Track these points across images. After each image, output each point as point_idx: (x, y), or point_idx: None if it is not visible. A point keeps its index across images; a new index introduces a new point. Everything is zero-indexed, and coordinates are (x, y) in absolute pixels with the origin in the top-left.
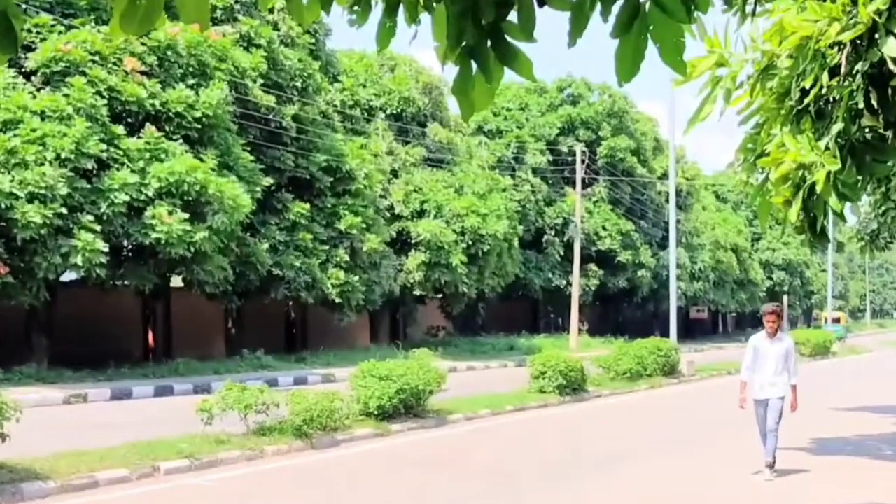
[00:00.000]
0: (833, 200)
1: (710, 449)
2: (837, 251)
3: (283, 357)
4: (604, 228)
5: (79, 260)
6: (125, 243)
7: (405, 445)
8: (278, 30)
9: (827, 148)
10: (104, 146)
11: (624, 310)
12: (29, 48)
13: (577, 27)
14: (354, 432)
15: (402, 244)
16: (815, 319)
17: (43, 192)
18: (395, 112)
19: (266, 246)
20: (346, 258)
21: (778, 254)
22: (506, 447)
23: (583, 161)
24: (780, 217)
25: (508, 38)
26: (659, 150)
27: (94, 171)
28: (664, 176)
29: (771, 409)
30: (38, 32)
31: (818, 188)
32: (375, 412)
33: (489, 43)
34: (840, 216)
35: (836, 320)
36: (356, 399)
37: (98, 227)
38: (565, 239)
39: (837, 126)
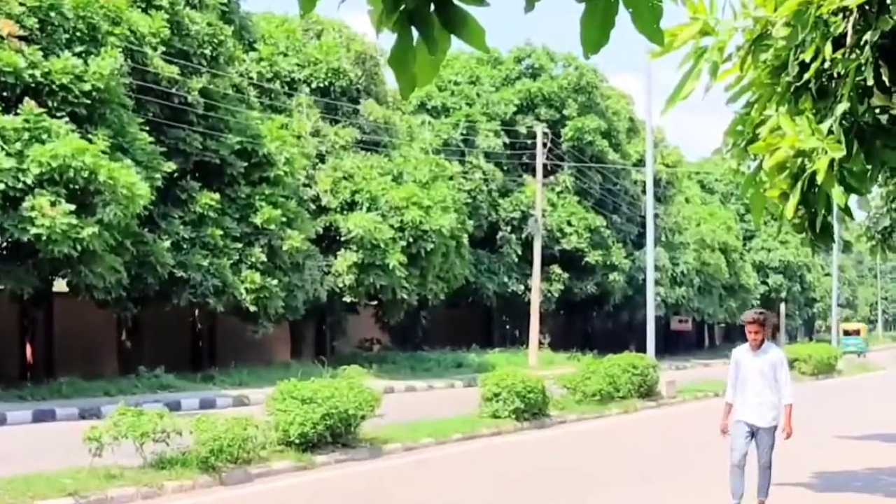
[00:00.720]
0: (837, 193)
1: (694, 483)
2: (843, 252)
3: (186, 375)
4: (569, 224)
5: None
6: None
7: (332, 480)
8: None
9: (830, 132)
10: None
11: (593, 320)
12: None
13: None
14: (272, 465)
15: (329, 242)
16: (817, 331)
17: None
18: (321, 86)
19: (167, 243)
20: (263, 258)
21: (774, 255)
22: (453, 483)
23: (544, 144)
24: (776, 212)
25: (456, 1)
26: (634, 133)
27: None
28: (640, 162)
29: (762, 443)
30: None
31: (820, 178)
32: (297, 441)
33: (432, 7)
34: (846, 211)
35: (855, 332)
36: (274, 426)
37: None
38: (523, 236)
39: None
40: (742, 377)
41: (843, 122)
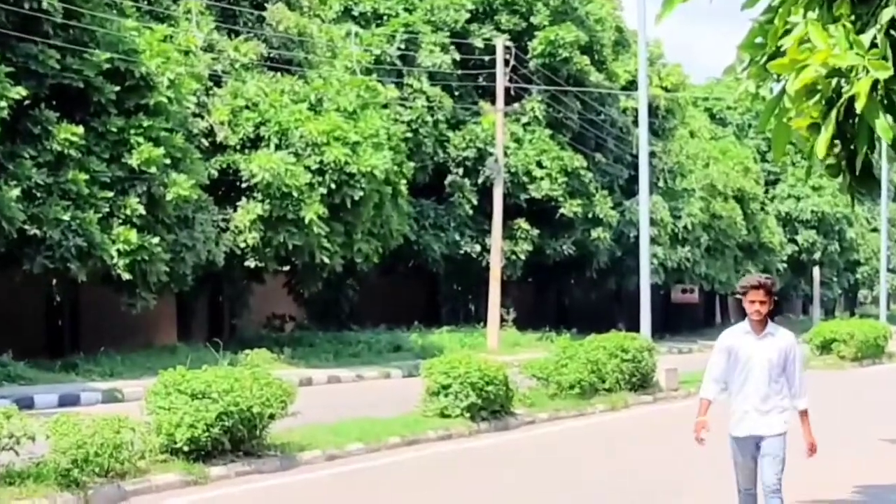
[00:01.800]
0: (882, 123)
1: None
2: (895, 201)
3: (41, 364)
4: (539, 165)
5: None
6: None
7: (231, 499)
8: None
9: (873, 45)
10: None
11: (570, 289)
12: None
13: None
14: (153, 479)
15: (227, 189)
16: (860, 303)
17: None
18: None
19: (16, 191)
20: (141, 210)
21: (804, 204)
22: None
23: (507, 62)
24: (804, 149)
25: None
26: (623, 47)
27: None
28: (631, 85)
29: (767, 456)
30: None
31: (859, 105)
32: (185, 448)
33: None
34: (894, 146)
35: None
36: (156, 428)
37: None
38: (480, 181)
39: (890, 11)
40: (740, 371)
41: (891, 31)
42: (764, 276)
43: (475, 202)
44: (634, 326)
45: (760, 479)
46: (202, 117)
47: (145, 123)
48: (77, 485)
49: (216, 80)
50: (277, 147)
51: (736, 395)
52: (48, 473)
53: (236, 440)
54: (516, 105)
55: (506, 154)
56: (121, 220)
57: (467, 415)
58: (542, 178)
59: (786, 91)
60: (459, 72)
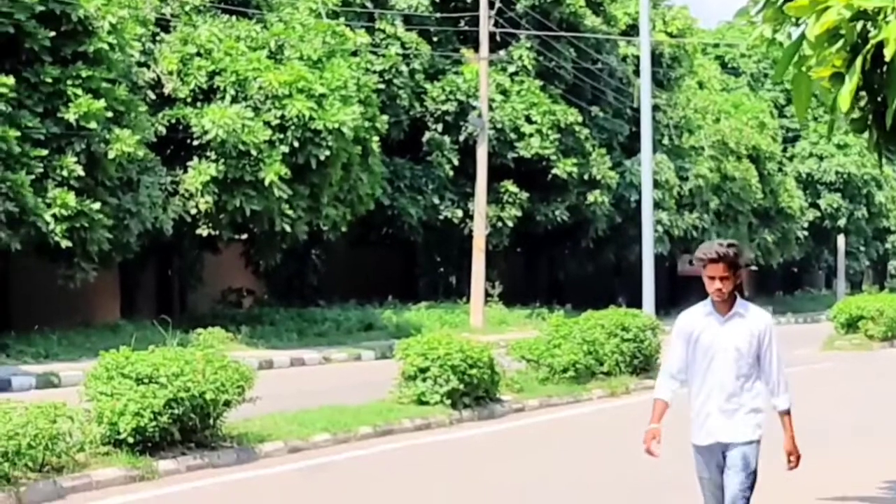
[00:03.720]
0: None
1: None
2: None
3: None
4: (528, 120)
5: None
6: None
7: (182, 497)
8: None
9: None
10: None
11: (564, 261)
12: None
13: None
14: (93, 474)
15: (176, 147)
16: (891, 276)
17: None
18: None
19: None
20: (80, 171)
21: (828, 164)
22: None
23: (492, 4)
24: (827, 101)
25: None
26: None
27: None
28: (632, 30)
29: (732, 468)
30: None
31: (889, 52)
32: (130, 439)
33: None
34: None
35: None
36: (96, 417)
37: None
38: (461, 138)
39: None
40: (700, 363)
41: None
42: (726, 244)
43: (456, 162)
44: (636, 302)
45: (725, 495)
46: (148, 66)
47: (84, 73)
48: (8, 480)
49: (164, 24)
50: (233, 100)
51: (697, 393)
52: None
53: (187, 430)
54: (502, 52)
55: (491, 108)
56: (57, 182)
57: (448, 402)
58: (531, 135)
59: (805, 36)
60: (438, 15)
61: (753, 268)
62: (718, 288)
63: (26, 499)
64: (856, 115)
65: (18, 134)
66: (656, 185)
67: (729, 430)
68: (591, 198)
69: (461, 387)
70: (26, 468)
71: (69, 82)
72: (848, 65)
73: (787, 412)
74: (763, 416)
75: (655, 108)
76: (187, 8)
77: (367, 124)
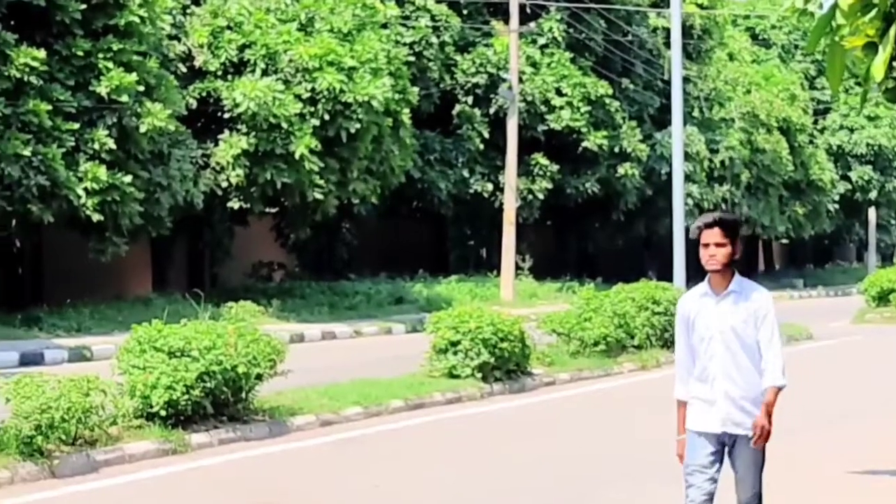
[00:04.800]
0: None
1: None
2: None
3: (0, 318)
4: (559, 93)
5: None
6: None
7: (214, 470)
8: None
9: None
10: None
11: (594, 234)
12: None
13: None
14: (126, 447)
15: (207, 120)
16: None
17: None
18: None
19: None
20: (111, 144)
21: (859, 136)
22: (392, 476)
23: None
24: (860, 72)
25: None
26: None
27: None
28: (663, 2)
29: (740, 461)
30: None
31: None
32: (163, 413)
33: None
34: None
35: None
36: (129, 390)
37: None
38: (492, 111)
39: None
40: (698, 346)
41: None
42: (719, 214)
43: (486, 135)
44: (667, 275)
45: (736, 493)
46: (179, 39)
47: (115, 46)
48: (41, 453)
49: None
50: (264, 73)
51: (699, 376)
52: (9, 441)
53: (219, 404)
54: (532, 25)
55: (521, 80)
56: (88, 156)
57: (478, 375)
58: (561, 108)
59: (838, 5)
60: None
61: (784, 241)
62: (712, 255)
63: (59, 472)
64: (890, 84)
65: (50, 107)
66: (687, 157)
67: (732, 420)
68: (621, 170)
69: (492, 360)
70: (59, 441)
71: (100, 55)
72: (882, 34)
73: (776, 389)
74: (759, 398)
75: (686, 80)
76: None
77: (397, 97)
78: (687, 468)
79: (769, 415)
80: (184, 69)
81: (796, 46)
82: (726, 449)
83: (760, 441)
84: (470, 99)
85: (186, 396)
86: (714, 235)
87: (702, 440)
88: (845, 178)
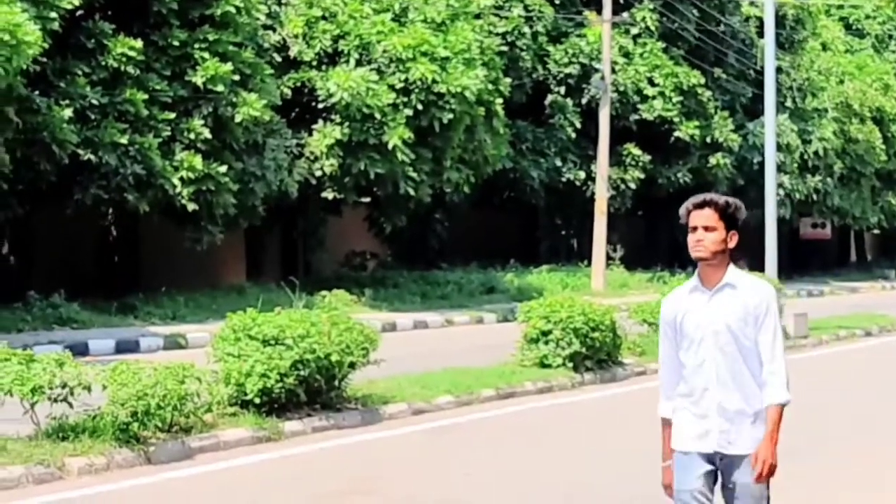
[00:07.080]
0: None
1: None
2: None
3: (96, 305)
4: (651, 83)
5: None
6: None
7: (308, 458)
8: None
9: None
10: None
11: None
12: None
13: None
14: (221, 434)
15: (302, 111)
16: None
17: None
18: None
19: (68, 112)
20: (206, 134)
21: None
22: (485, 465)
23: None
24: None
25: None
26: None
27: None
28: None
29: (739, 485)
30: None
31: None
32: (257, 400)
33: None
34: None
35: None
36: (224, 378)
37: None
38: (584, 101)
39: None
40: (686, 350)
41: None
42: (709, 196)
43: (578, 125)
44: (758, 265)
45: None
46: (274, 30)
47: (211, 37)
48: (137, 440)
49: None
50: (358, 63)
51: (686, 387)
52: (105, 427)
53: (313, 392)
54: (625, 14)
55: (613, 70)
56: (184, 145)
57: (570, 365)
58: (654, 98)
59: None
60: None
61: (876, 231)
62: (699, 239)
63: (155, 458)
64: None
65: (146, 97)
66: (779, 148)
67: (731, 438)
68: (713, 161)
69: (583, 350)
70: (155, 428)
71: (196, 45)
72: None
73: (779, 408)
74: (760, 414)
75: (778, 70)
76: None
77: (490, 87)
78: (677, 496)
79: (775, 443)
80: (278, 59)
81: (890, 36)
82: (718, 474)
83: (764, 479)
84: (562, 89)
85: (280, 384)
86: (703, 218)
87: (690, 460)
88: None
